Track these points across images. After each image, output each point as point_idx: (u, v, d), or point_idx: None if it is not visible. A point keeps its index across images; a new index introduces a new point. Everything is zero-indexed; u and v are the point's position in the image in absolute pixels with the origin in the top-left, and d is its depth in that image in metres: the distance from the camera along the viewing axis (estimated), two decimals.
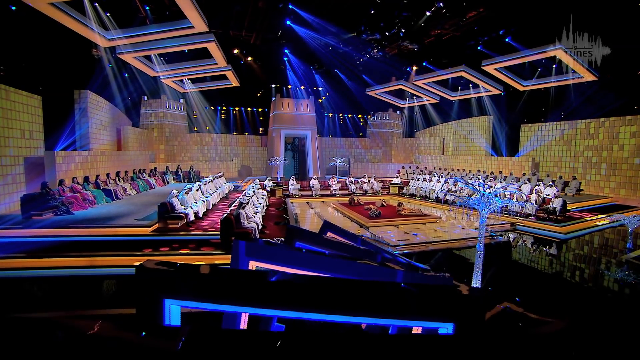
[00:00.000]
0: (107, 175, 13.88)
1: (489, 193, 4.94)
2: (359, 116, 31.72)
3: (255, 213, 10.06)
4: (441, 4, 12.16)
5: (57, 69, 14.40)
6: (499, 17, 14.15)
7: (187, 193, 10.79)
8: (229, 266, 7.91)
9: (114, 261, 7.40)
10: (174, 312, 2.14)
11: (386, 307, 2.00)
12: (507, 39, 15.22)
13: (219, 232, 8.62)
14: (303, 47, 19.66)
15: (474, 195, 14.59)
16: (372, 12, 13.99)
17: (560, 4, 12.98)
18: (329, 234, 4.78)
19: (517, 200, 11.22)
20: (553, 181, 16.85)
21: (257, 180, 16.16)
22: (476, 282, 5.41)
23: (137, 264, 7.45)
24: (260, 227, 9.44)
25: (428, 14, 13.02)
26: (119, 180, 14.33)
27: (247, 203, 9.67)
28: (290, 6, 14.62)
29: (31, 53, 13.70)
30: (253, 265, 3.10)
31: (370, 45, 18.67)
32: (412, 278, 3.16)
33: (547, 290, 7.20)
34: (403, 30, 14.98)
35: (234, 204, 10.67)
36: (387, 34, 15.85)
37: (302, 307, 1.87)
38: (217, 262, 7.64)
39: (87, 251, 7.63)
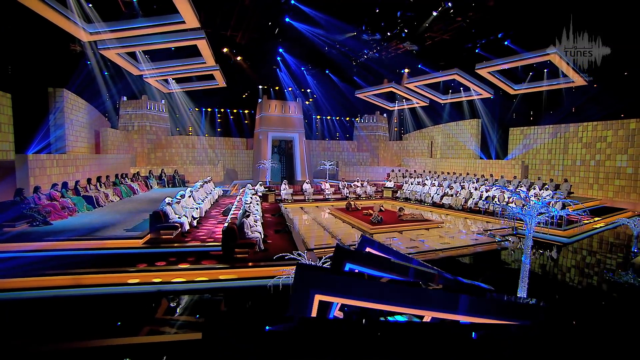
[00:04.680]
0: (88, 180, 12.75)
1: (540, 202, 4.55)
2: (347, 119, 31.38)
3: (256, 221, 9.36)
4: (449, 3, 11.88)
5: (30, 65, 13.08)
6: (496, 20, 14.08)
7: (178, 202, 9.95)
8: (235, 282, 7.12)
9: (103, 279, 6.53)
10: None
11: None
12: (506, 42, 15.22)
13: (219, 243, 7.91)
14: (300, 45, 19.04)
15: (469, 199, 14.35)
16: (377, 10, 13.59)
17: (557, 6, 13.04)
18: (368, 249, 4.26)
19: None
20: (544, 184, 16.96)
21: (250, 186, 15.40)
22: (522, 294, 5.00)
23: (131, 281, 6.62)
24: (262, 236, 8.77)
25: (435, 13, 12.74)
26: (100, 185, 13.21)
27: (249, 211, 8.97)
28: (292, 2, 13.95)
29: (0, 45, 12.39)
30: (317, 299, 2.53)
31: (368, 46, 18.28)
32: (508, 308, 2.67)
33: (571, 296, 6.93)
34: (405, 31, 14.67)
35: (232, 212, 9.92)
36: (388, 34, 15.51)
37: None
38: (221, 277, 6.92)
39: (70, 268, 6.70)
